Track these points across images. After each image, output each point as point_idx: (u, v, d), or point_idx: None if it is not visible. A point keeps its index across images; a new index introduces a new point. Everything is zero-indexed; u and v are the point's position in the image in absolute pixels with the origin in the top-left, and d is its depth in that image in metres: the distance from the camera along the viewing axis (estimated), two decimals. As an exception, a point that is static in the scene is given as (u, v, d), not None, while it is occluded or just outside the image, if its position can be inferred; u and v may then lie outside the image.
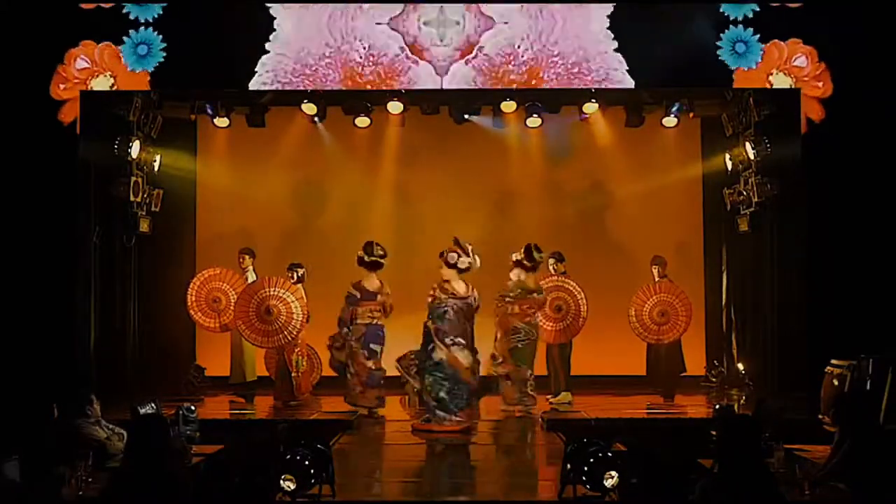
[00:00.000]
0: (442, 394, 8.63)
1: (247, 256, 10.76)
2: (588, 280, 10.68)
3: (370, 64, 9.22)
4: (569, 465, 5.49)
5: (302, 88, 9.52)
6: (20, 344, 8.85)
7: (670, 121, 11.01)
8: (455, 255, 8.81)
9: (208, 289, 10.35)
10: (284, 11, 9.22)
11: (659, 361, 10.70)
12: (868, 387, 7.60)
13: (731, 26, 9.20)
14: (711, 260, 11.70)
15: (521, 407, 9.54)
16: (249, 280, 10.60)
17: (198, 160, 11.75)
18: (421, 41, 9.21)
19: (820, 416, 7.71)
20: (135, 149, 10.11)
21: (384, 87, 9.45)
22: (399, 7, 9.21)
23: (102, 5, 9.21)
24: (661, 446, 6.09)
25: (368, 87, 9.38)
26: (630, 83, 9.25)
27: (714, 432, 5.69)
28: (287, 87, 9.30)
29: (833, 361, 8.42)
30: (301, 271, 10.10)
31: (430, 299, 8.80)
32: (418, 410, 9.28)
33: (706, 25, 9.20)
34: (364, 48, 9.21)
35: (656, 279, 10.58)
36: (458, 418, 8.63)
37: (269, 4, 9.23)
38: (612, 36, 9.18)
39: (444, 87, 9.29)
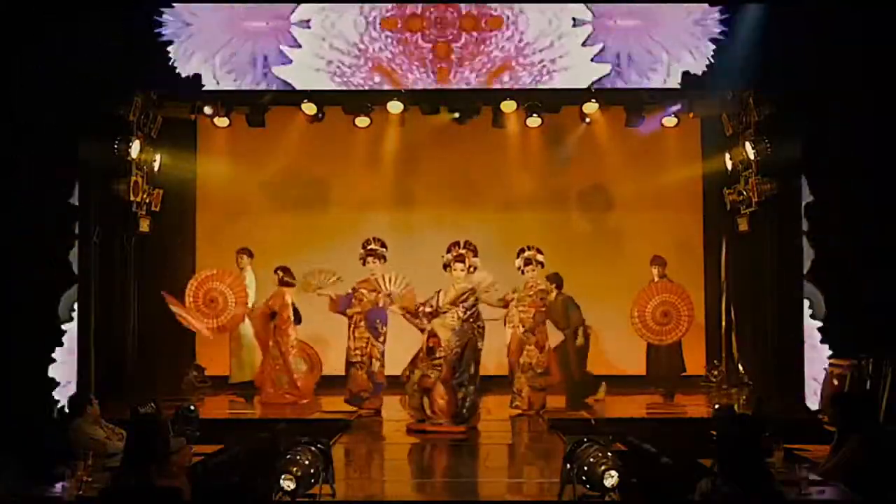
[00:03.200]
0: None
1: (244, 256, 10.77)
2: (587, 280, 10.70)
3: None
4: (569, 465, 5.49)
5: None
6: (20, 344, 8.87)
7: (670, 121, 11.01)
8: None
9: (205, 289, 10.36)
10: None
11: (659, 361, 10.70)
12: (868, 387, 7.61)
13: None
14: (711, 260, 11.70)
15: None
16: (248, 280, 10.60)
17: (198, 160, 11.75)
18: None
19: (820, 416, 7.71)
20: (135, 149, 10.11)
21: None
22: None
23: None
24: (661, 446, 6.07)
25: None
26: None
27: (714, 432, 5.69)
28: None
29: (833, 361, 8.44)
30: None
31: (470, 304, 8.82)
32: (418, 410, 9.28)
33: None
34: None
35: (656, 279, 10.58)
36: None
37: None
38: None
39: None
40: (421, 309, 8.85)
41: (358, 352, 9.74)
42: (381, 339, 9.77)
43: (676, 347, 10.63)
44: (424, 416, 8.74)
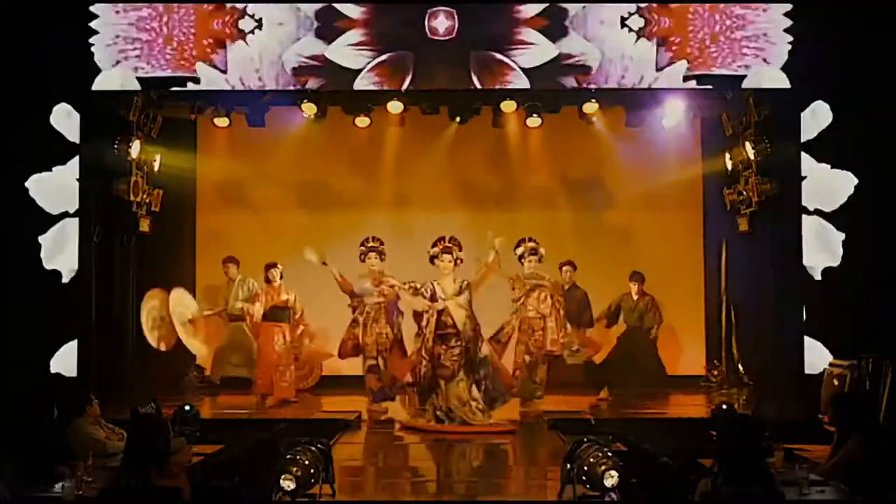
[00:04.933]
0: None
1: (231, 266, 10.71)
2: (587, 280, 10.69)
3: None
4: (569, 465, 5.49)
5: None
6: (20, 344, 8.88)
7: (670, 120, 11.00)
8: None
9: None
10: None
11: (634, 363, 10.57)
12: (868, 387, 7.61)
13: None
14: (711, 260, 11.70)
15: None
16: (247, 287, 10.51)
17: (198, 160, 11.76)
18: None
19: (820, 416, 7.71)
20: (135, 149, 10.11)
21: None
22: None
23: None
24: (661, 446, 6.07)
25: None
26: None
27: (714, 432, 5.69)
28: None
29: (833, 361, 8.44)
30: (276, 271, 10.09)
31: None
32: (417, 409, 9.28)
33: None
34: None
35: (634, 296, 10.55)
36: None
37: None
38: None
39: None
40: (420, 290, 8.90)
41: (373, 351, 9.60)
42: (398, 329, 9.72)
43: (651, 349, 10.58)
44: (433, 415, 8.75)
